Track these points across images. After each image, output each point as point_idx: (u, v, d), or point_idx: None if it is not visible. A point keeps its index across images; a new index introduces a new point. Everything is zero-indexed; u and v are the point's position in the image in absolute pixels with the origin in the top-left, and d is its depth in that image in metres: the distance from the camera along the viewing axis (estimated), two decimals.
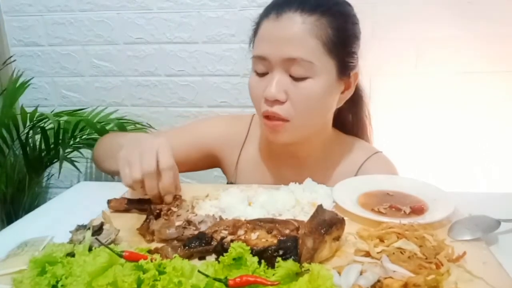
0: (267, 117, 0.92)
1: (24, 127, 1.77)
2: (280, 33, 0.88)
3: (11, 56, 2.00)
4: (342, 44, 0.92)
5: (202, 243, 0.67)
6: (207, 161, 1.15)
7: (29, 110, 1.79)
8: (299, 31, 0.87)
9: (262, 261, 0.59)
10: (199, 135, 1.13)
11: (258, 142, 1.11)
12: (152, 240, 0.73)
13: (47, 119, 1.74)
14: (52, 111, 1.91)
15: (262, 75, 0.92)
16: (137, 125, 1.96)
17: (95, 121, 1.82)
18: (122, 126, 1.81)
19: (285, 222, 0.69)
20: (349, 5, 0.97)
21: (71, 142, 1.83)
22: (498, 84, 1.73)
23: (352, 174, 1.02)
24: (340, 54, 0.91)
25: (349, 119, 1.12)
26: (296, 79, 0.89)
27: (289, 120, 0.91)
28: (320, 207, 0.68)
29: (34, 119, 1.74)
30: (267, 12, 0.92)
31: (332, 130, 1.07)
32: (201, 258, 0.67)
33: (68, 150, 1.86)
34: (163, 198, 0.84)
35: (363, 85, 1.08)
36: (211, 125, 1.16)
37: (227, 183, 1.16)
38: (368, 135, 1.14)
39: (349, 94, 0.99)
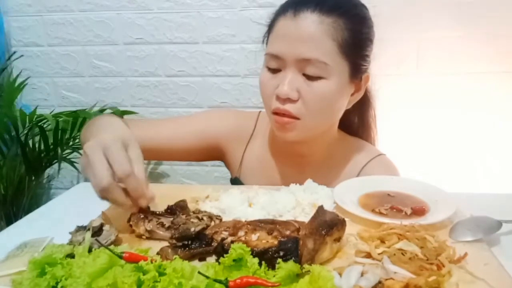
0: (277, 113, 0.92)
1: (23, 127, 1.77)
2: (297, 33, 0.88)
3: (14, 53, 1.98)
4: (357, 46, 0.92)
5: (202, 244, 0.66)
6: (211, 153, 1.15)
7: (29, 111, 1.79)
8: (316, 32, 0.87)
9: (263, 262, 0.59)
10: (208, 126, 1.13)
11: (264, 139, 1.12)
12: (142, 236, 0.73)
13: (46, 120, 1.74)
14: (52, 111, 1.91)
15: (274, 71, 0.92)
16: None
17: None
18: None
19: (286, 223, 0.69)
20: (365, 8, 0.97)
21: (70, 143, 1.83)
22: (499, 84, 1.73)
23: (354, 175, 1.02)
24: (354, 56, 0.91)
25: (355, 120, 1.12)
26: (310, 78, 0.89)
27: (299, 118, 0.91)
28: (320, 208, 0.68)
29: (33, 120, 1.73)
30: (284, 10, 0.91)
31: (337, 130, 1.07)
32: (202, 259, 0.66)
33: (68, 151, 1.86)
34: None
35: (370, 87, 1.08)
36: (220, 117, 1.15)
37: (231, 179, 1.16)
38: (373, 137, 1.15)
39: (358, 96, 0.99)
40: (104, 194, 0.70)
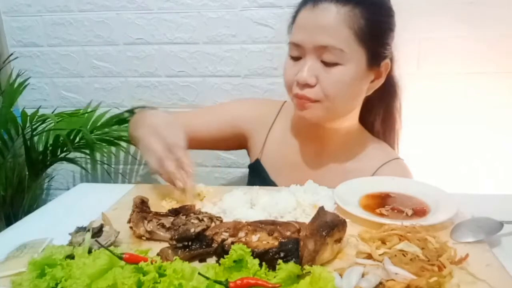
0: (298, 97, 0.98)
1: (24, 128, 1.76)
2: (315, 22, 0.94)
3: (11, 54, 1.98)
4: (374, 34, 0.96)
5: (202, 245, 0.66)
6: (236, 140, 1.22)
7: (29, 111, 1.79)
8: (333, 21, 0.92)
9: (263, 263, 0.58)
10: (233, 114, 1.21)
11: (286, 124, 1.17)
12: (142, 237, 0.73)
13: (49, 120, 1.73)
14: (53, 112, 1.90)
15: (296, 59, 0.98)
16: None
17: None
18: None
19: (286, 224, 0.68)
20: None
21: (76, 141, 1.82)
22: (501, 84, 1.72)
23: (369, 174, 1.04)
24: (371, 44, 0.95)
25: (380, 112, 1.14)
26: (328, 65, 0.94)
27: (318, 101, 0.96)
28: (321, 209, 0.68)
29: (34, 120, 1.73)
30: (305, 2, 0.98)
31: (358, 125, 1.11)
32: (202, 260, 0.66)
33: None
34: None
35: (397, 78, 1.11)
36: (245, 106, 1.24)
37: (250, 164, 1.21)
38: (396, 129, 1.17)
39: (378, 83, 1.03)
40: (159, 164, 0.86)
